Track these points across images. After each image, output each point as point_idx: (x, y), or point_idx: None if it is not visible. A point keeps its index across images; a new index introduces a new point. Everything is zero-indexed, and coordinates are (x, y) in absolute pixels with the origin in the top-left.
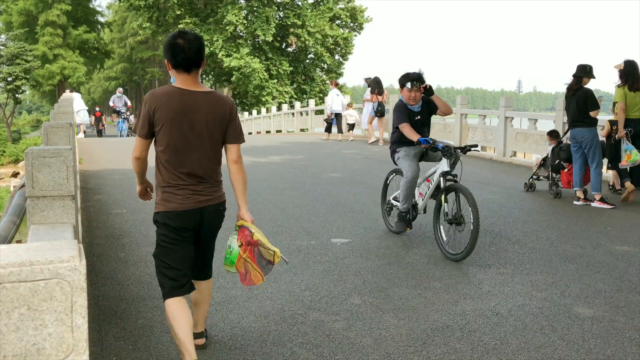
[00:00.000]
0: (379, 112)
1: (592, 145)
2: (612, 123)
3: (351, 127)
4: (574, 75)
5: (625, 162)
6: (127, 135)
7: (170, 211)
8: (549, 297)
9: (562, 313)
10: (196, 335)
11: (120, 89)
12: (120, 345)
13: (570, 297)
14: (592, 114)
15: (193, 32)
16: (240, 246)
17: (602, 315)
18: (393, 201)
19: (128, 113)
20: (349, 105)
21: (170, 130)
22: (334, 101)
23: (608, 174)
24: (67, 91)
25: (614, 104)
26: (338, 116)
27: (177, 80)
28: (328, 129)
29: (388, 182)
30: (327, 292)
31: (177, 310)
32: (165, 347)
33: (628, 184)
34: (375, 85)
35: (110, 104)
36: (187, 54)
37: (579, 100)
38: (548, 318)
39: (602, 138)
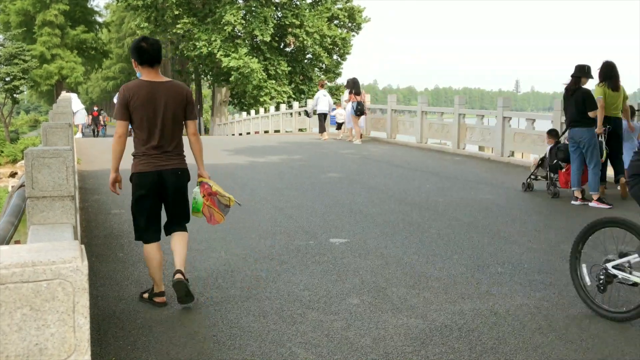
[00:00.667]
0: (359, 111)
1: (590, 145)
2: None
3: (339, 125)
4: (572, 76)
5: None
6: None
7: (138, 172)
8: (547, 297)
9: (560, 312)
10: (176, 272)
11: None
12: (119, 344)
13: (568, 296)
14: (590, 114)
15: (153, 37)
16: (203, 197)
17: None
18: (615, 270)
19: None
20: (338, 105)
21: (141, 113)
22: (321, 101)
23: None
24: (64, 92)
25: None
26: (323, 116)
27: (143, 74)
28: (322, 129)
29: (589, 237)
30: (326, 291)
31: (149, 253)
32: (164, 346)
33: (622, 179)
34: (352, 86)
35: (115, 101)
36: (151, 54)
37: (578, 100)
38: (546, 318)
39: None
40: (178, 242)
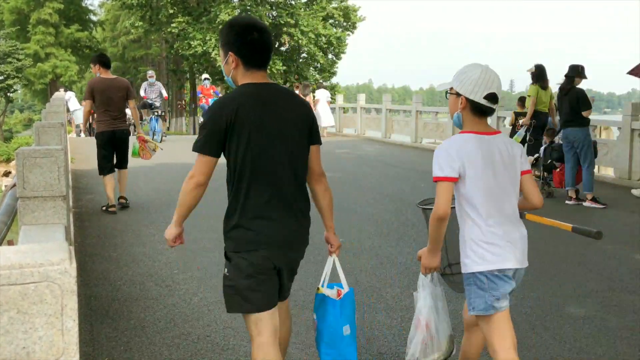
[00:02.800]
0: None
1: (584, 144)
2: (517, 114)
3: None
4: (566, 76)
5: None
6: (161, 140)
7: (100, 132)
8: (541, 297)
9: (554, 312)
10: (120, 197)
11: (152, 73)
12: (112, 345)
13: (562, 296)
14: (584, 113)
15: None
16: (139, 144)
17: (593, 314)
18: None
19: (161, 109)
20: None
21: (102, 95)
22: None
23: (601, 174)
24: (61, 90)
25: (520, 98)
26: None
27: (102, 74)
28: None
29: None
30: None
31: (107, 181)
32: (158, 347)
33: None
34: (307, 88)
35: (142, 93)
36: (107, 59)
37: (572, 100)
38: (540, 317)
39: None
40: (122, 175)
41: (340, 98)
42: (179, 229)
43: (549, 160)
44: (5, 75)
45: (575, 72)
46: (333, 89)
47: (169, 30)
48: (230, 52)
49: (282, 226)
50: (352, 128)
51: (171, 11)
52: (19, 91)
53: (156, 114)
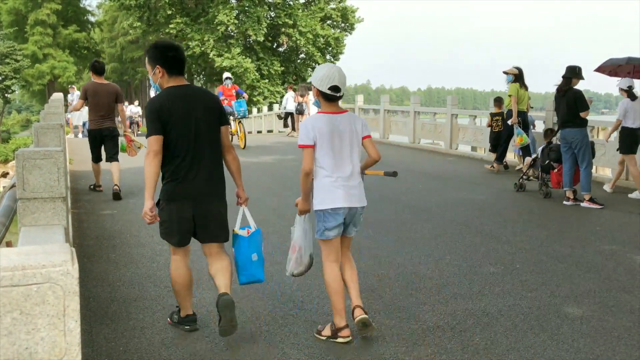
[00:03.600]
0: (298, 111)
1: (582, 145)
2: (493, 115)
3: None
4: (563, 77)
5: (517, 144)
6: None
7: (90, 129)
8: (538, 297)
9: (551, 313)
10: (114, 185)
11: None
12: (112, 346)
13: (559, 296)
14: (582, 114)
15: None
16: (125, 143)
17: (591, 314)
18: None
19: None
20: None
21: (93, 97)
22: (289, 102)
23: (598, 174)
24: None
25: (496, 99)
26: (291, 115)
27: (95, 79)
28: (286, 125)
29: None
30: (319, 292)
31: (94, 167)
32: (156, 347)
33: (497, 164)
34: (299, 89)
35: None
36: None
37: (569, 101)
38: (538, 318)
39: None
40: (113, 166)
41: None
42: (152, 201)
43: (547, 161)
44: (3, 76)
45: (572, 73)
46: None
47: (167, 31)
48: (157, 65)
49: (198, 185)
50: None
51: (169, 12)
52: (17, 92)
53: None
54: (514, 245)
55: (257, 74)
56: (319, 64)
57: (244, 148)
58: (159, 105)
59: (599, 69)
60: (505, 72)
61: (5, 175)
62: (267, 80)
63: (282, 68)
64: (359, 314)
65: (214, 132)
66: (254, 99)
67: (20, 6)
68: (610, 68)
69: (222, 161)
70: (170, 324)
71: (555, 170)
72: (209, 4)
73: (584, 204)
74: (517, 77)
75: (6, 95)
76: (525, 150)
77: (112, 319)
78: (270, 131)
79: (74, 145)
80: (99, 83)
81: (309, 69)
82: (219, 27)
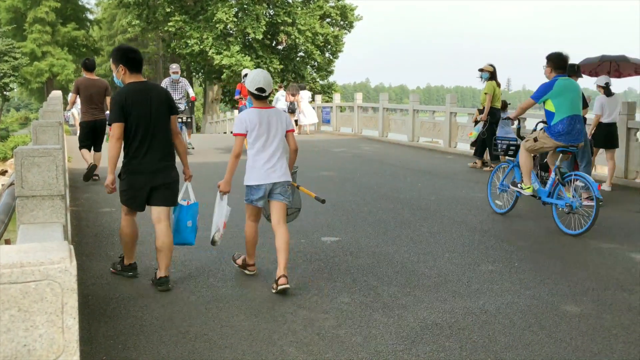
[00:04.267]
0: (289, 109)
1: (583, 144)
2: (480, 112)
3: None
4: None
5: (469, 135)
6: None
7: (83, 120)
8: (537, 295)
9: (549, 311)
10: (94, 174)
11: (177, 67)
12: (110, 344)
13: (557, 294)
14: (583, 112)
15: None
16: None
17: (589, 312)
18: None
19: (188, 113)
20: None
21: (85, 91)
22: (279, 101)
23: (596, 173)
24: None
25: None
26: None
27: (86, 74)
28: None
29: None
30: (317, 290)
31: (84, 152)
32: (155, 345)
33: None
34: (290, 89)
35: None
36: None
37: None
38: (536, 316)
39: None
40: (97, 157)
41: (337, 97)
42: (113, 176)
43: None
44: (1, 74)
45: (571, 72)
46: (330, 88)
47: (165, 29)
48: (120, 65)
49: (152, 162)
50: (349, 127)
51: (168, 10)
52: (16, 90)
53: (180, 120)
54: (513, 243)
55: None
56: (318, 62)
57: None
58: (122, 97)
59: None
60: (480, 70)
61: (4, 173)
62: None
63: (281, 66)
64: (282, 283)
65: (165, 120)
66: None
67: (19, 4)
68: (590, 67)
69: (172, 143)
70: (114, 273)
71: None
72: (208, 2)
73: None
74: (492, 74)
75: (5, 93)
76: (481, 146)
77: (111, 317)
78: None
79: (73, 143)
80: (90, 78)
81: (308, 67)
82: (217, 25)
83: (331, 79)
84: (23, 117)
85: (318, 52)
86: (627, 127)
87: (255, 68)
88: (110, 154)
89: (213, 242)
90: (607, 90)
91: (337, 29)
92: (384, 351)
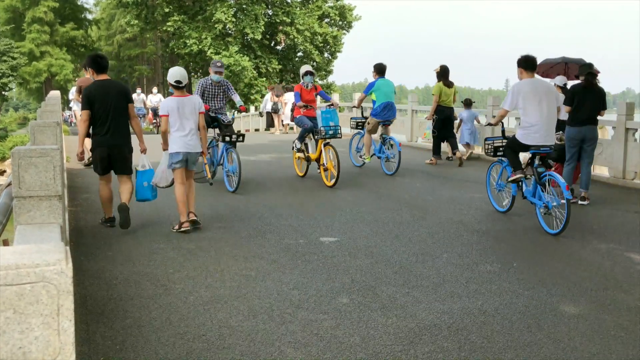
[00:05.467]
0: (273, 110)
1: (595, 143)
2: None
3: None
4: (584, 74)
5: (423, 137)
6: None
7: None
8: (535, 296)
9: (548, 311)
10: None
11: (220, 63)
12: (108, 344)
13: (556, 295)
14: (603, 112)
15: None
16: None
17: (587, 313)
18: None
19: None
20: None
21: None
22: (268, 103)
23: (596, 173)
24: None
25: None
26: (269, 114)
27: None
28: (271, 125)
29: None
30: (316, 290)
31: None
32: (153, 346)
33: (458, 152)
34: (282, 90)
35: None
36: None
37: (598, 97)
38: (534, 316)
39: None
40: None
41: (336, 97)
42: (81, 148)
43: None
44: (0, 74)
45: (591, 69)
46: (329, 88)
47: (164, 28)
48: (90, 68)
49: (113, 139)
50: (348, 127)
51: (167, 10)
52: (14, 90)
53: (227, 138)
54: (511, 243)
55: (254, 72)
56: (317, 62)
57: (332, 185)
58: (89, 91)
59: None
60: (435, 71)
61: (2, 173)
62: (264, 79)
63: (280, 66)
64: (192, 217)
65: (122, 107)
66: (251, 97)
67: (17, 4)
68: (544, 68)
69: (128, 125)
70: (100, 223)
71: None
72: (207, 2)
73: (584, 202)
74: (440, 75)
75: (3, 93)
76: (436, 144)
77: (109, 317)
78: (267, 129)
79: (71, 142)
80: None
81: None
82: (216, 25)
83: (330, 79)
84: (21, 117)
85: (317, 52)
86: (625, 128)
87: (254, 68)
88: (80, 132)
89: (155, 185)
90: (564, 89)
91: (336, 29)
92: (383, 352)
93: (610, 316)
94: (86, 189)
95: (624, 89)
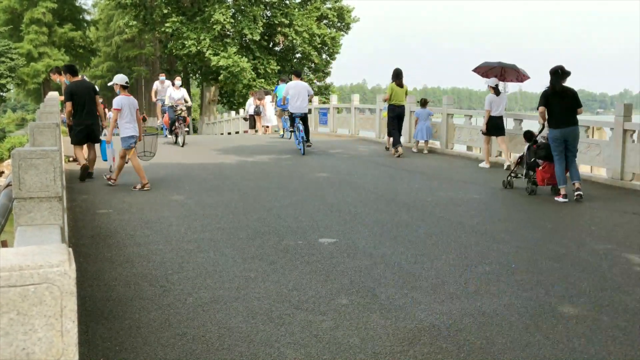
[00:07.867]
0: (255, 112)
1: (577, 140)
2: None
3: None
4: (556, 76)
5: (383, 117)
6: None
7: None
8: (534, 297)
9: (547, 312)
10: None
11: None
12: (107, 346)
13: (555, 296)
14: (579, 110)
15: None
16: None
17: (586, 314)
18: None
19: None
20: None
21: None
22: (251, 107)
23: (593, 174)
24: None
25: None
26: (251, 117)
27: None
28: (252, 126)
29: None
30: (315, 292)
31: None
32: (152, 347)
33: (400, 148)
34: (257, 93)
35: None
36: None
37: (572, 99)
38: (533, 317)
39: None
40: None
41: (334, 98)
42: (70, 123)
43: (532, 159)
44: None
45: (562, 72)
46: (327, 89)
47: (162, 30)
48: (67, 73)
49: (89, 122)
50: (346, 128)
51: (165, 11)
52: (12, 91)
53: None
54: (509, 244)
55: (253, 73)
56: (315, 64)
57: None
58: (71, 88)
59: (475, 70)
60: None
61: (0, 174)
62: (263, 80)
63: (279, 67)
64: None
65: (92, 98)
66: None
67: (15, 5)
68: (484, 69)
69: (96, 111)
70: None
71: (540, 167)
72: (205, 3)
73: (579, 193)
74: (393, 76)
75: (1, 94)
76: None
77: (108, 319)
78: (237, 132)
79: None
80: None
81: (305, 68)
82: (215, 26)
83: (328, 80)
84: (19, 118)
85: (315, 53)
86: (623, 129)
87: (252, 69)
88: (66, 115)
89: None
90: (496, 90)
91: (334, 30)
92: (382, 353)
93: (608, 317)
94: (85, 190)
95: (621, 90)
